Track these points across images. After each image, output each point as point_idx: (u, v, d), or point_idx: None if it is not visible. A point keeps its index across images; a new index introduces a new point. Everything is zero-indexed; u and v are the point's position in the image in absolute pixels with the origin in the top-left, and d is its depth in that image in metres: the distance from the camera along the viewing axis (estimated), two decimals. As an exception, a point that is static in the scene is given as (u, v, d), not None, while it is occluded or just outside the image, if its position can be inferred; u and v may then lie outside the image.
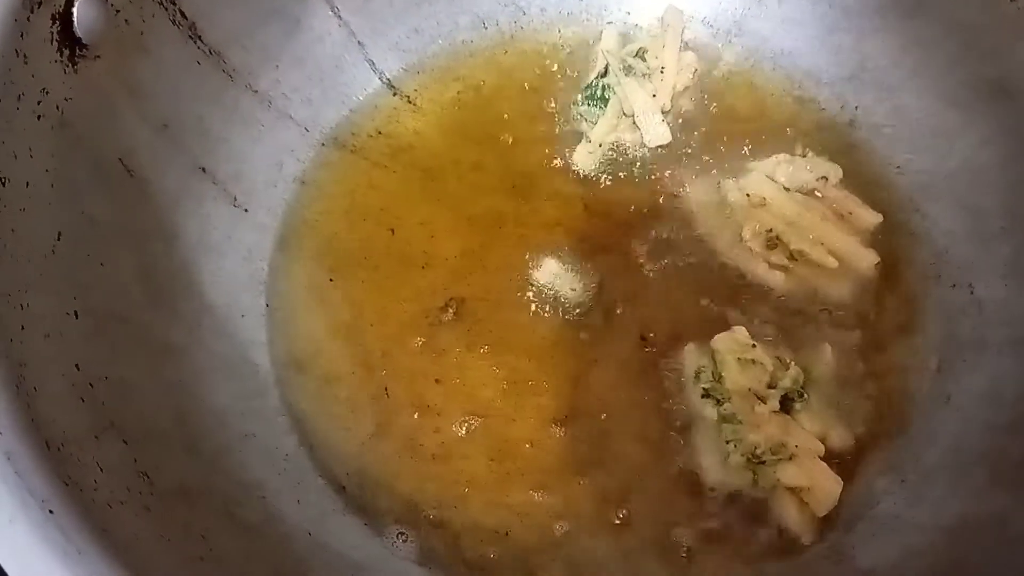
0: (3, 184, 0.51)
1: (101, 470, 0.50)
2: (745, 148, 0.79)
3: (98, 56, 0.61)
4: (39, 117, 0.56)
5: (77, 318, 0.56)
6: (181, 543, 0.52)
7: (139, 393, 0.59)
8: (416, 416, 0.70)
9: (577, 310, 0.73)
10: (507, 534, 0.66)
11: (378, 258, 0.76)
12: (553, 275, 0.74)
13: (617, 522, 0.66)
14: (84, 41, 0.60)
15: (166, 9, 0.67)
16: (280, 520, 0.62)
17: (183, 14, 0.68)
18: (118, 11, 0.63)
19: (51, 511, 0.42)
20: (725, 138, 0.80)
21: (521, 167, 0.79)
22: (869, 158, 0.78)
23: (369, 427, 0.69)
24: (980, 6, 0.71)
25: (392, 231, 0.77)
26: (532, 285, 0.74)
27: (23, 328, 0.50)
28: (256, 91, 0.76)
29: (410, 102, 0.83)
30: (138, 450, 0.55)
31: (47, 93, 0.57)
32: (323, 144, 0.80)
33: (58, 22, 0.57)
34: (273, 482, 0.64)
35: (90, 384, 0.54)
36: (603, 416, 0.69)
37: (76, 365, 0.54)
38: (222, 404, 0.65)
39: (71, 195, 0.59)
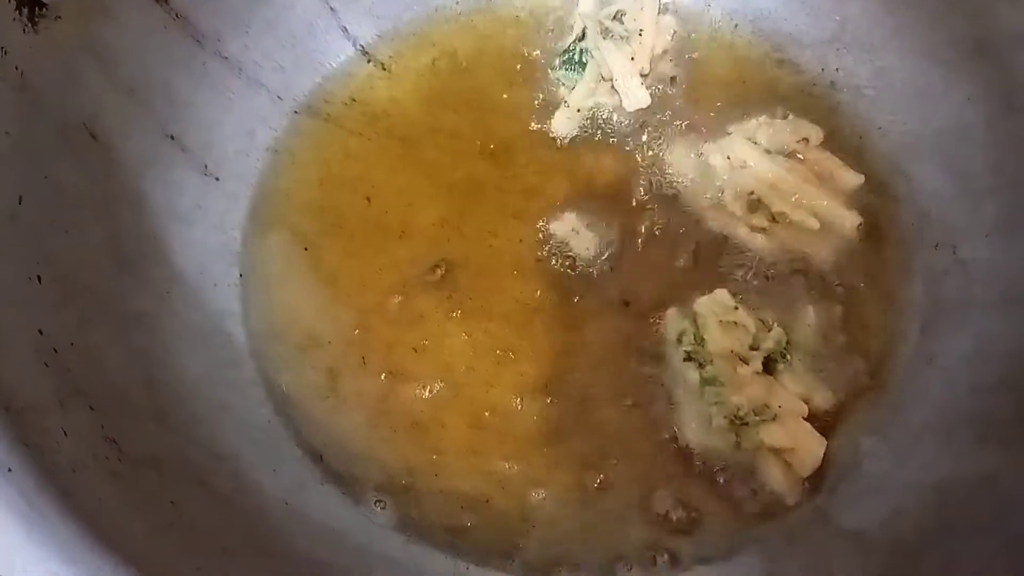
0: (-41, 144, 0.50)
1: (65, 435, 0.49)
2: (726, 111, 0.78)
3: (59, 17, 0.60)
4: (-3, 78, 0.54)
5: (41, 283, 0.55)
6: (149, 510, 0.51)
7: (107, 361, 0.58)
8: (394, 384, 0.69)
9: (557, 276, 0.72)
10: (486, 502, 0.65)
11: (354, 227, 0.75)
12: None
13: (597, 487, 0.65)
14: (44, 0, 0.59)
15: (129, -30, 0.65)
16: (255, 490, 0.61)
17: (147, -25, 0.66)
18: (79, -29, 0.61)
19: (9, 469, 0.41)
20: (706, 101, 0.79)
21: (499, 134, 0.78)
22: (851, 120, 0.77)
23: (346, 396, 0.68)
24: (961, -38, 0.70)
25: (368, 199, 0.76)
26: (511, 252, 0.73)
27: (-19, 292, 0.48)
28: (225, 57, 0.74)
29: (385, 69, 0.81)
30: (105, 417, 0.53)
31: (6, 53, 0.56)
32: (296, 112, 0.78)
33: (16, -22, 0.56)
34: (248, 452, 0.63)
35: (54, 350, 0.53)
36: (584, 382, 0.69)
37: (39, 331, 0.53)
38: (195, 374, 0.64)
39: (33, 159, 0.58)
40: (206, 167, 0.72)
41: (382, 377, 0.69)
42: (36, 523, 0.41)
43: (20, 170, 0.56)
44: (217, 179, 0.73)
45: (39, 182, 0.58)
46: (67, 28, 0.60)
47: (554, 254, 0.73)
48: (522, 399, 0.68)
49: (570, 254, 0.72)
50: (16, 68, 0.57)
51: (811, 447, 0.62)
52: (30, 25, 0.58)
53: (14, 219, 0.54)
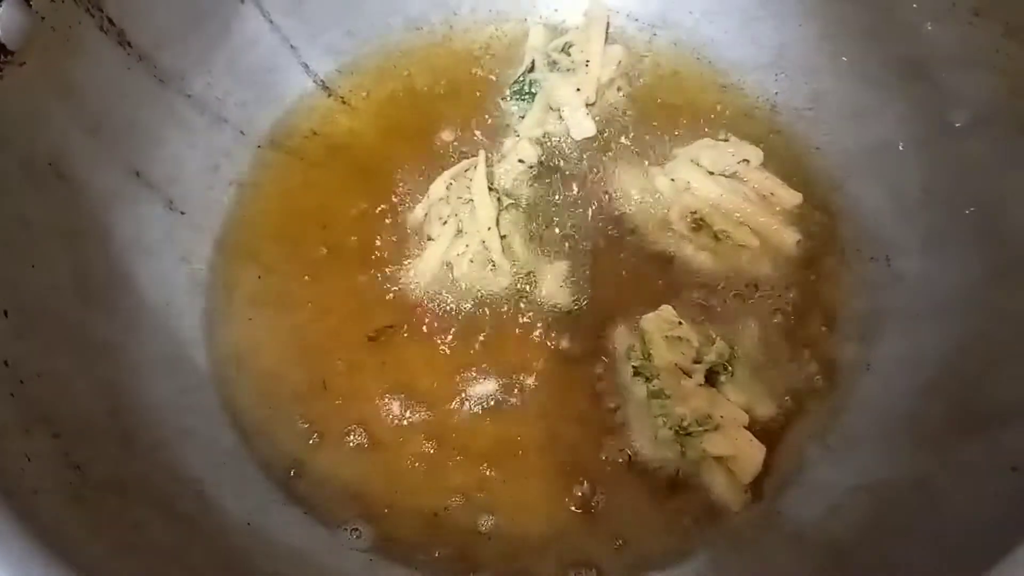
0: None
1: (28, 460, 0.51)
2: (671, 136, 0.82)
3: (23, 63, 0.63)
4: (-38, 120, 0.57)
5: (7, 317, 0.57)
6: (111, 531, 0.53)
7: (73, 389, 0.60)
8: (357, 406, 0.71)
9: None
10: (446, 518, 0.67)
11: (316, 255, 0.77)
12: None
13: (553, 501, 0.67)
14: (8, 48, 0.62)
15: (93, 16, 0.68)
16: (219, 511, 0.63)
17: (111, 20, 0.69)
18: (43, 18, 0.64)
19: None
20: (652, 126, 0.83)
21: (454, 164, 0.80)
22: (790, 141, 0.81)
23: (309, 419, 0.70)
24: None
25: (329, 228, 0.78)
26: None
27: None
28: (189, 95, 0.77)
29: (345, 102, 0.84)
30: (70, 444, 0.56)
31: (-29, 98, 0.59)
32: (259, 146, 0.81)
33: (-21, 28, 0.58)
34: (212, 475, 0.65)
35: (21, 381, 0.55)
36: (540, 399, 0.71)
37: (5, 362, 0.55)
38: (160, 400, 0.66)
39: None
40: (171, 201, 0.75)
41: (344, 399, 0.71)
42: (-5, 543, 0.43)
43: (-14, 207, 0.59)
44: (183, 213, 0.76)
45: (5, 218, 0.60)
46: (32, 72, 0.63)
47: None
48: (481, 417, 0.70)
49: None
50: (-18, 111, 0.59)
51: (752, 454, 0.65)
52: (-5, 70, 0.61)
53: (-20, 255, 0.57)
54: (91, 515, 0.52)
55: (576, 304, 0.74)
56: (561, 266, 0.74)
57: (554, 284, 0.73)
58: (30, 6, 0.62)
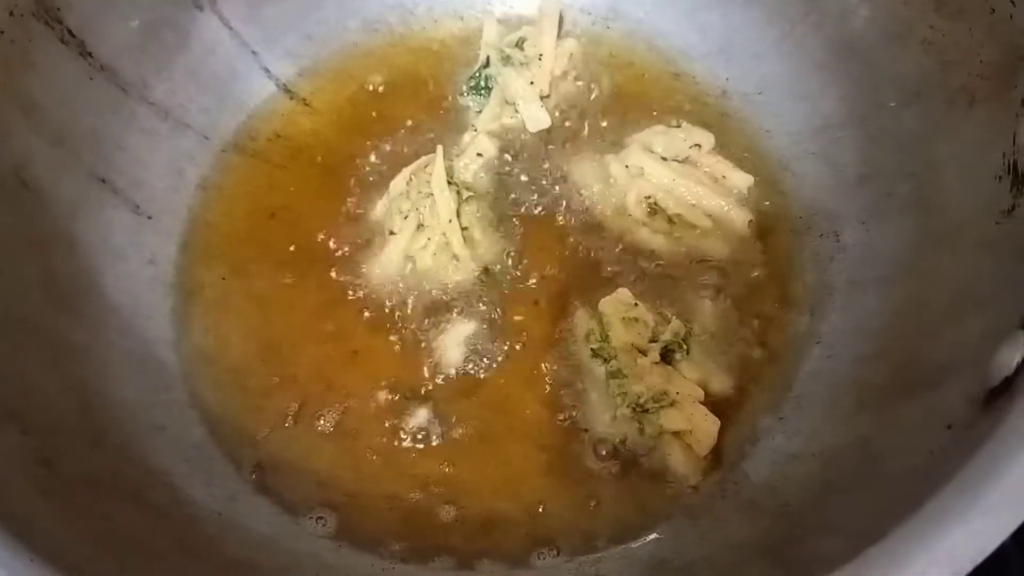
0: None
1: (-5, 455, 0.53)
2: (626, 124, 0.84)
3: (-17, 74, 0.64)
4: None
5: (-26, 320, 0.59)
6: (82, 523, 0.55)
7: (42, 388, 0.62)
8: (324, 398, 0.72)
9: (475, 282, 0.76)
10: (410, 504, 0.68)
11: (281, 254, 0.79)
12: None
13: (514, 483, 0.69)
14: (-32, 60, 0.63)
15: (52, 28, 0.70)
16: (189, 502, 0.64)
17: (71, 32, 0.71)
18: (2, 32, 0.66)
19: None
20: (607, 116, 0.85)
21: (414, 160, 0.82)
22: (741, 124, 0.83)
23: (277, 412, 0.72)
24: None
25: (294, 228, 0.80)
26: (431, 267, 0.78)
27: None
28: (152, 103, 0.79)
29: (306, 104, 0.86)
30: (39, 440, 0.57)
31: (-69, 109, 0.61)
32: (223, 150, 0.83)
33: (-63, 42, 0.60)
34: (182, 468, 0.67)
35: (-11, 380, 0.57)
36: (502, 384, 0.73)
37: (-29, 363, 0.57)
38: (130, 398, 0.68)
39: (-36, 206, 0.62)
40: (138, 206, 0.77)
41: (311, 392, 0.73)
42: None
43: (-49, 217, 0.61)
44: (149, 217, 0.78)
45: (-30, 227, 0.62)
46: (-8, 84, 0.65)
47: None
48: (449, 403, 0.72)
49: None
50: (-57, 123, 0.61)
51: (707, 427, 0.67)
52: (-45, 83, 0.62)
53: (-55, 262, 0.59)
54: (60, 507, 0.54)
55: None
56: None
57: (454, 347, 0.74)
58: (-11, 20, 0.64)
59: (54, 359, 0.64)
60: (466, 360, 0.74)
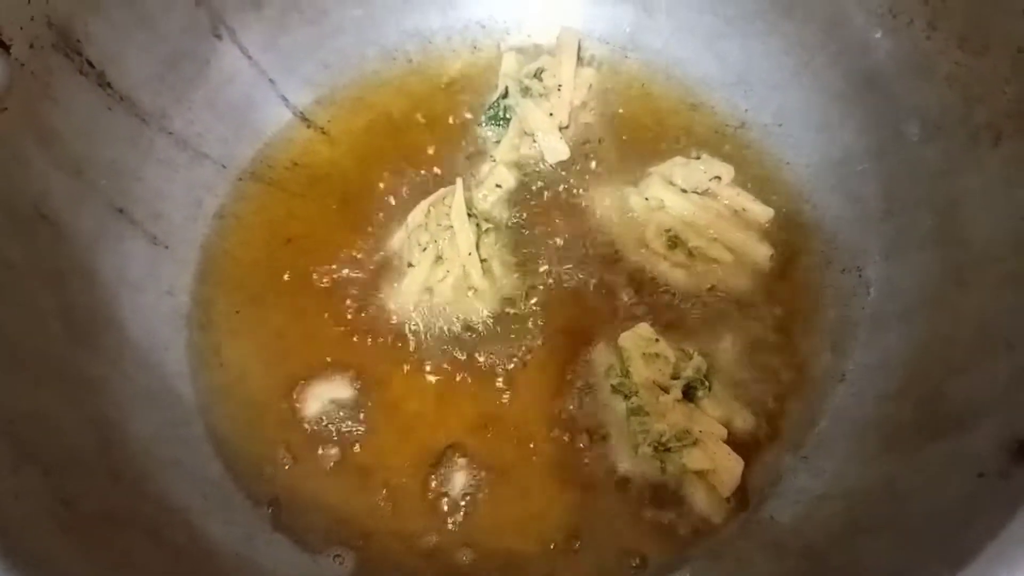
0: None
1: (16, 497, 0.52)
2: (645, 155, 0.83)
3: (4, 108, 0.64)
4: (-56, 166, 0.58)
5: (-7, 357, 0.58)
6: (101, 561, 0.54)
7: (61, 426, 0.61)
8: (341, 436, 0.72)
9: (494, 314, 0.76)
10: (433, 545, 0.68)
11: (300, 284, 0.79)
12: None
13: (536, 521, 0.68)
14: (-10, 94, 0.63)
15: (72, 60, 0.70)
16: (206, 540, 0.64)
17: (90, 63, 0.71)
18: (23, 64, 0.65)
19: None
20: (626, 147, 0.84)
21: (432, 189, 0.82)
22: (760, 156, 0.83)
23: (295, 448, 0.71)
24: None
25: (312, 258, 0.80)
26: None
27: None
28: (170, 133, 0.78)
29: (324, 133, 0.86)
30: (59, 480, 0.57)
31: (-47, 144, 0.60)
32: (240, 179, 0.83)
33: (-40, 77, 0.60)
34: (199, 505, 0.66)
35: (10, 420, 0.56)
36: (522, 419, 0.72)
37: (-7, 402, 0.56)
38: (147, 433, 0.67)
39: (-17, 240, 0.62)
40: (155, 237, 0.76)
41: (331, 430, 0.72)
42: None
43: (-30, 251, 0.60)
44: (167, 247, 0.77)
45: (-10, 261, 0.62)
46: (13, 117, 0.65)
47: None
48: (468, 439, 0.72)
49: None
50: (-36, 157, 0.61)
51: (730, 467, 0.66)
52: (-23, 117, 0.62)
53: (-36, 297, 0.58)
54: (81, 545, 0.54)
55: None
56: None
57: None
58: (9, 53, 0.64)
59: (72, 394, 0.64)
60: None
